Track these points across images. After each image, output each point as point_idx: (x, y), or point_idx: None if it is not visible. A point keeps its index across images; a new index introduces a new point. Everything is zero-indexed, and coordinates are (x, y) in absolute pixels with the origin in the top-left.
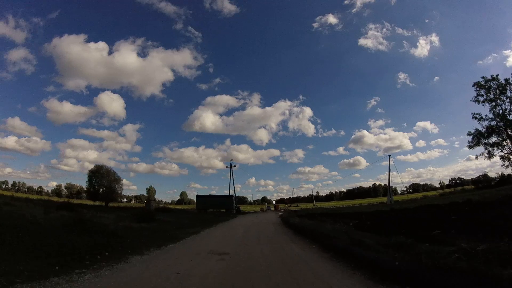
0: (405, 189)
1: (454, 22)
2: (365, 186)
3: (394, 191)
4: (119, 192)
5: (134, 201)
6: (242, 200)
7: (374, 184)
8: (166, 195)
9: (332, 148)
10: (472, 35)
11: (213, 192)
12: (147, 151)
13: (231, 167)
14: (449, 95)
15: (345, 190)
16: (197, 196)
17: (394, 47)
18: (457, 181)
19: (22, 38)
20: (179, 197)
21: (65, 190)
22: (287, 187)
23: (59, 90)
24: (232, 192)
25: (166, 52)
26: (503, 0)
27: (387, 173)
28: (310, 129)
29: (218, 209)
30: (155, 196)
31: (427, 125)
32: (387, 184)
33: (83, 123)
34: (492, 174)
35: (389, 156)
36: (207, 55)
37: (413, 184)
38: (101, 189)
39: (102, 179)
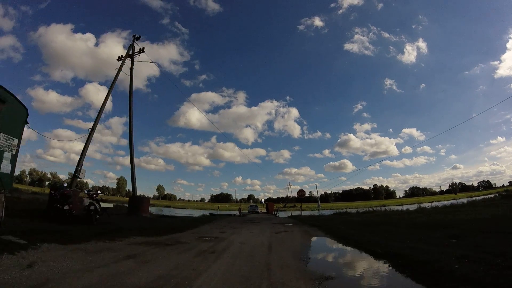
0: None
1: (442, 29)
2: (364, 188)
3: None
4: None
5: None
6: (226, 198)
7: (374, 185)
8: (152, 190)
9: (318, 151)
10: (460, 44)
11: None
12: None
13: (132, 46)
14: (435, 104)
15: (340, 191)
16: None
17: (380, 52)
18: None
19: (10, 27)
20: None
21: (28, 176)
22: (273, 187)
23: (46, 79)
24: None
25: (152, 46)
26: (493, 10)
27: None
28: (296, 130)
29: None
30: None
31: (413, 132)
32: None
33: (69, 114)
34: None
35: None
36: (193, 52)
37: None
38: None
39: None
